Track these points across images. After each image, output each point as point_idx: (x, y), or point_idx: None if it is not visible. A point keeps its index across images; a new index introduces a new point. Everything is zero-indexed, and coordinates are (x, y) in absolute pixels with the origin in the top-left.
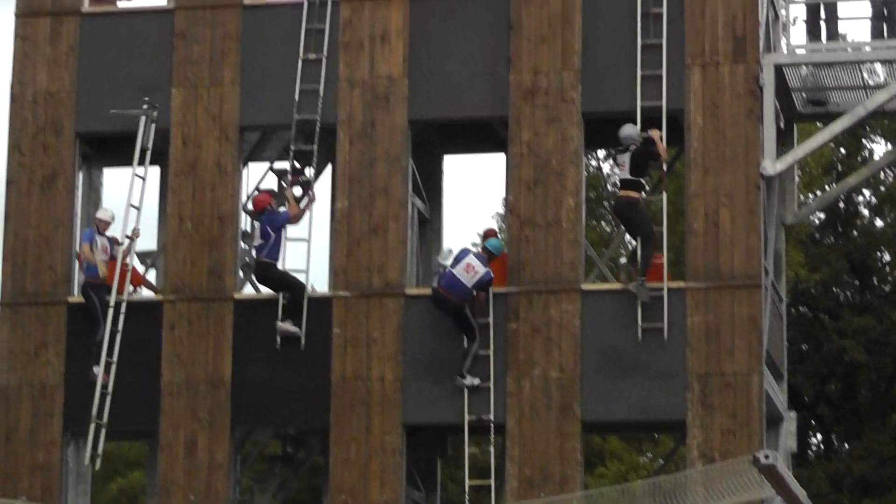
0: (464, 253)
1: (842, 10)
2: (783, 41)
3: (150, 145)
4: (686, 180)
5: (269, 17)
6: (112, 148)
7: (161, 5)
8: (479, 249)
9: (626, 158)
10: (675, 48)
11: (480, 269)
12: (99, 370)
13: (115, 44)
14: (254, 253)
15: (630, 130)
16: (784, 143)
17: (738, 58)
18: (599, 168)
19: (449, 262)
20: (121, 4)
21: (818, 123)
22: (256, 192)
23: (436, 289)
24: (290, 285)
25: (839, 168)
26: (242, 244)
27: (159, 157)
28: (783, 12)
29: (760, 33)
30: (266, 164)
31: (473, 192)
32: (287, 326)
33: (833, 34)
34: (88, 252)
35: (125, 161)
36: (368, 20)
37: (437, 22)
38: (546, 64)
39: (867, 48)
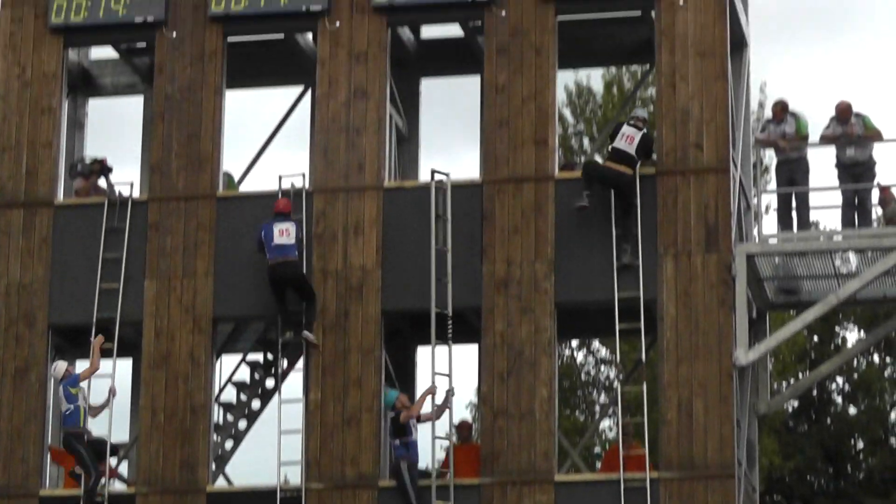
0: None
1: (813, 198)
2: (755, 230)
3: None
4: (659, 370)
5: (243, 207)
6: (85, 340)
7: (135, 196)
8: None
9: (637, 135)
10: (647, 237)
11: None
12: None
13: (89, 235)
14: (274, 254)
15: (645, 113)
16: (757, 332)
17: (711, 247)
18: (573, 357)
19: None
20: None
21: (791, 311)
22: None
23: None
24: (310, 291)
25: (812, 355)
26: (215, 436)
27: (131, 350)
28: (755, 202)
29: (732, 223)
30: (239, 356)
31: (443, 383)
32: (309, 335)
33: (804, 222)
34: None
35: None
36: (342, 211)
37: (410, 213)
38: (519, 254)
39: (838, 237)
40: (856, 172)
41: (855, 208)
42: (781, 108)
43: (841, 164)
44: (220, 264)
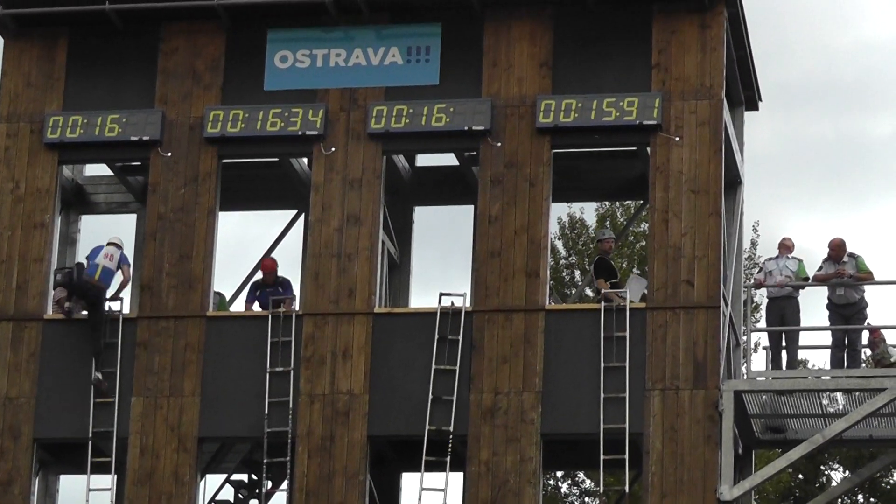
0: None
1: (803, 338)
2: (743, 367)
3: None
4: (643, 503)
5: (232, 329)
6: (69, 455)
7: (125, 313)
8: None
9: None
10: (635, 371)
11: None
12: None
13: (76, 350)
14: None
15: (603, 234)
16: (742, 468)
17: (699, 383)
18: (557, 488)
19: None
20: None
21: (777, 449)
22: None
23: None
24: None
25: (797, 493)
26: None
27: (116, 466)
28: (744, 339)
29: (721, 359)
30: (223, 476)
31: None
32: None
33: (793, 361)
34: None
35: (81, 468)
36: (331, 336)
37: (398, 338)
38: (507, 384)
39: (826, 377)
40: (847, 314)
41: (844, 349)
42: (790, 245)
43: (832, 304)
44: (207, 384)
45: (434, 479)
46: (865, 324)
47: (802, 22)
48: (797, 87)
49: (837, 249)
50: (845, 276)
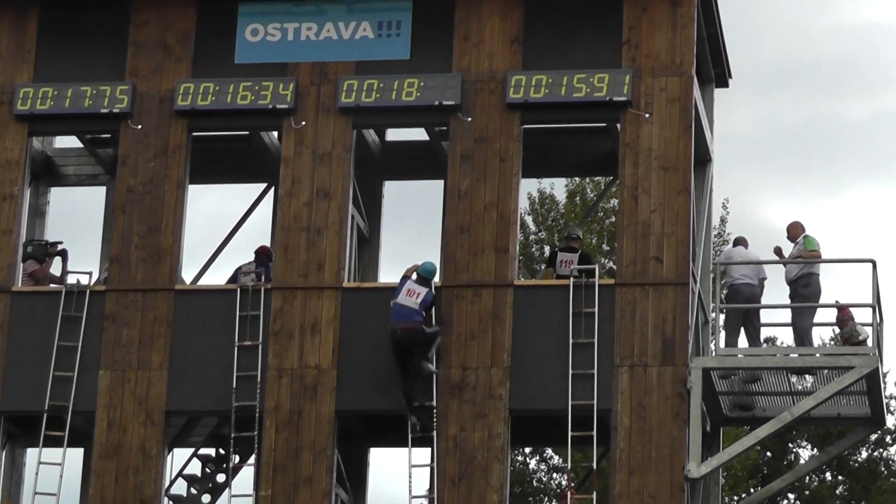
0: (402, 282)
1: (771, 318)
2: (712, 344)
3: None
4: (611, 480)
5: (200, 302)
6: (37, 428)
7: (93, 286)
8: (416, 278)
9: (574, 258)
10: (604, 348)
11: (422, 290)
12: None
13: (45, 324)
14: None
15: (578, 231)
16: (710, 445)
17: (667, 360)
18: (525, 463)
19: None
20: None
21: (745, 427)
22: None
23: (394, 330)
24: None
25: (764, 471)
26: None
27: (83, 440)
28: (713, 316)
29: (689, 337)
30: (191, 450)
31: (398, 486)
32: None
33: (754, 341)
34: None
35: (49, 442)
36: (300, 310)
37: (367, 314)
38: (475, 360)
39: (795, 355)
40: (790, 290)
41: (800, 332)
42: (743, 242)
43: (787, 282)
44: (175, 357)
45: (402, 453)
46: (834, 301)
47: (780, 3)
48: (774, 69)
49: (792, 230)
50: (792, 257)
